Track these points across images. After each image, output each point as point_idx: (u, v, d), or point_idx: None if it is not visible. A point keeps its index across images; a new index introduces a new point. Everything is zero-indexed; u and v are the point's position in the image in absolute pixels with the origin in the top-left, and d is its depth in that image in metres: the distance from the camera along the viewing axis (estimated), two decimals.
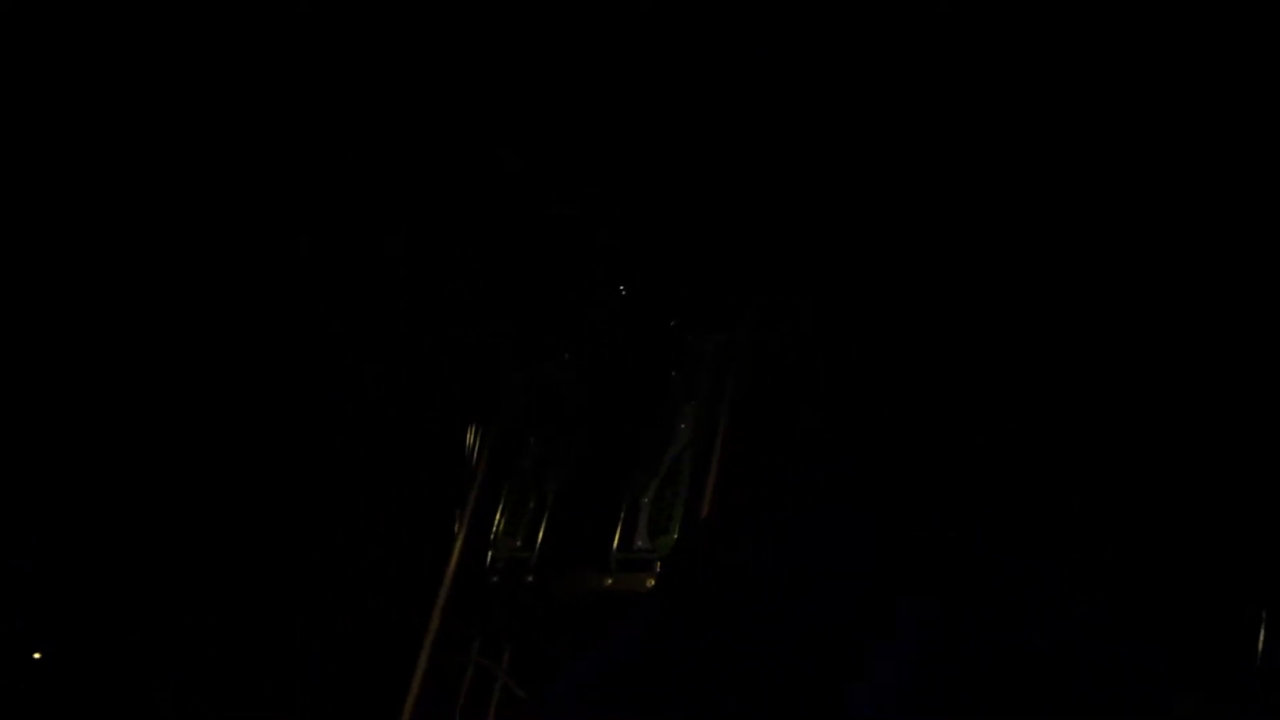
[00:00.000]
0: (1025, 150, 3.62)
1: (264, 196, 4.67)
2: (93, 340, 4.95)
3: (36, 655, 4.72)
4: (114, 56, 4.16)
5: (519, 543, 4.16)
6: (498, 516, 4.33)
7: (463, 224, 4.67)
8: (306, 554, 5.06)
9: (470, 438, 4.75)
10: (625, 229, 4.35)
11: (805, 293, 3.71)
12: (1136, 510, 3.66)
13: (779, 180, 3.81)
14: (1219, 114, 3.27)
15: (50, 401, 4.94)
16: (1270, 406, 3.65)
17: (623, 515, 3.86)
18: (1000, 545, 2.99)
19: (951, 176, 3.77)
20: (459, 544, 4.31)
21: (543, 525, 4.13)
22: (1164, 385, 3.84)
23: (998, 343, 3.84)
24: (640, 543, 3.78)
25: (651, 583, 3.60)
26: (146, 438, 5.12)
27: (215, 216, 4.75)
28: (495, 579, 4.19)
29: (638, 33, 3.60)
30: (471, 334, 4.91)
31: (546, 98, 3.97)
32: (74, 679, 4.85)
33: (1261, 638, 3.48)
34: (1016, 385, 3.86)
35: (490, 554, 4.26)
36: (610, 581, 3.78)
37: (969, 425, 3.69)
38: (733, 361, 3.83)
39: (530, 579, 4.04)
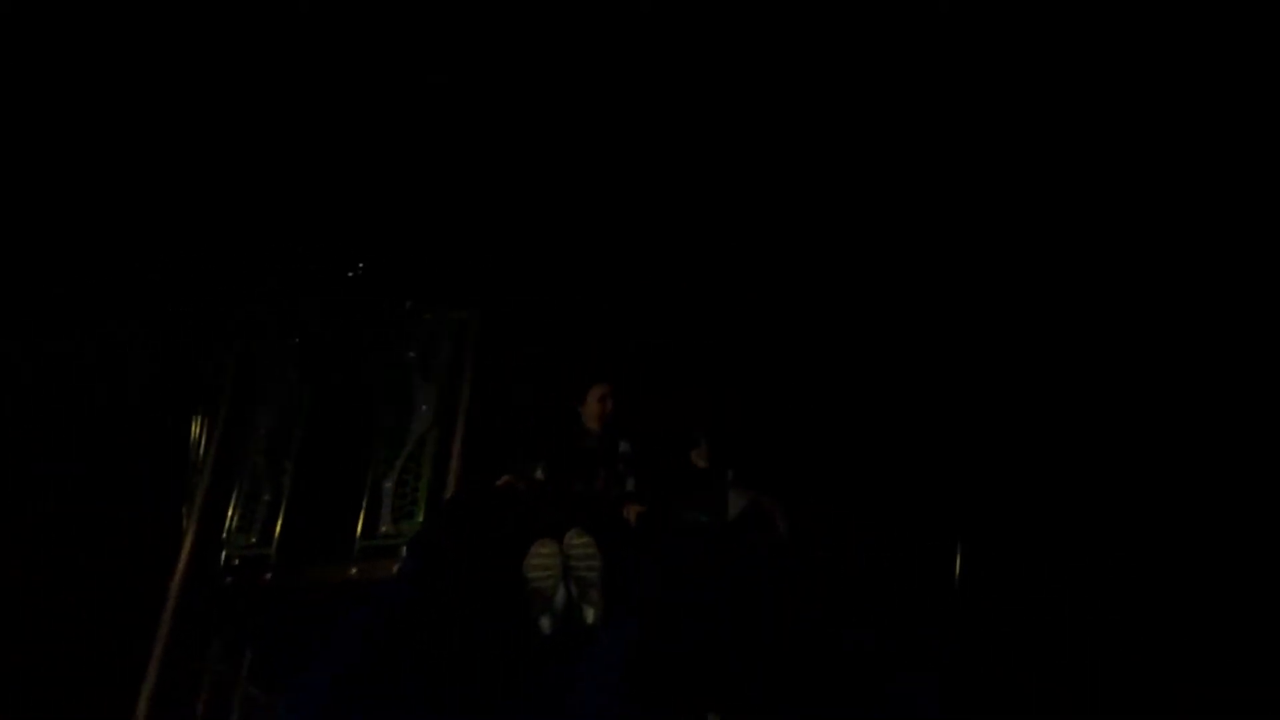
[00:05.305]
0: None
1: None
2: None
3: None
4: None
5: (254, 539, 3.92)
6: (230, 512, 4.05)
7: (175, 202, 4.30)
8: (19, 561, 4.56)
9: (195, 429, 4.43)
10: (360, 207, 4.17)
11: (540, 268, 3.73)
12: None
13: (515, 158, 3.78)
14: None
15: None
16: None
17: (365, 501, 3.73)
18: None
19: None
20: (188, 544, 4.00)
21: (280, 519, 3.91)
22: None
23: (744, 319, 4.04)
24: (385, 528, 3.67)
25: (397, 567, 3.52)
26: None
27: None
28: (230, 579, 3.92)
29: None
30: (191, 316, 4.55)
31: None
32: None
33: (958, 566, 3.91)
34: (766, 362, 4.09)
35: (224, 553, 3.99)
36: (355, 571, 3.65)
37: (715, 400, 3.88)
38: (471, 339, 3.78)
39: (269, 577, 3.82)
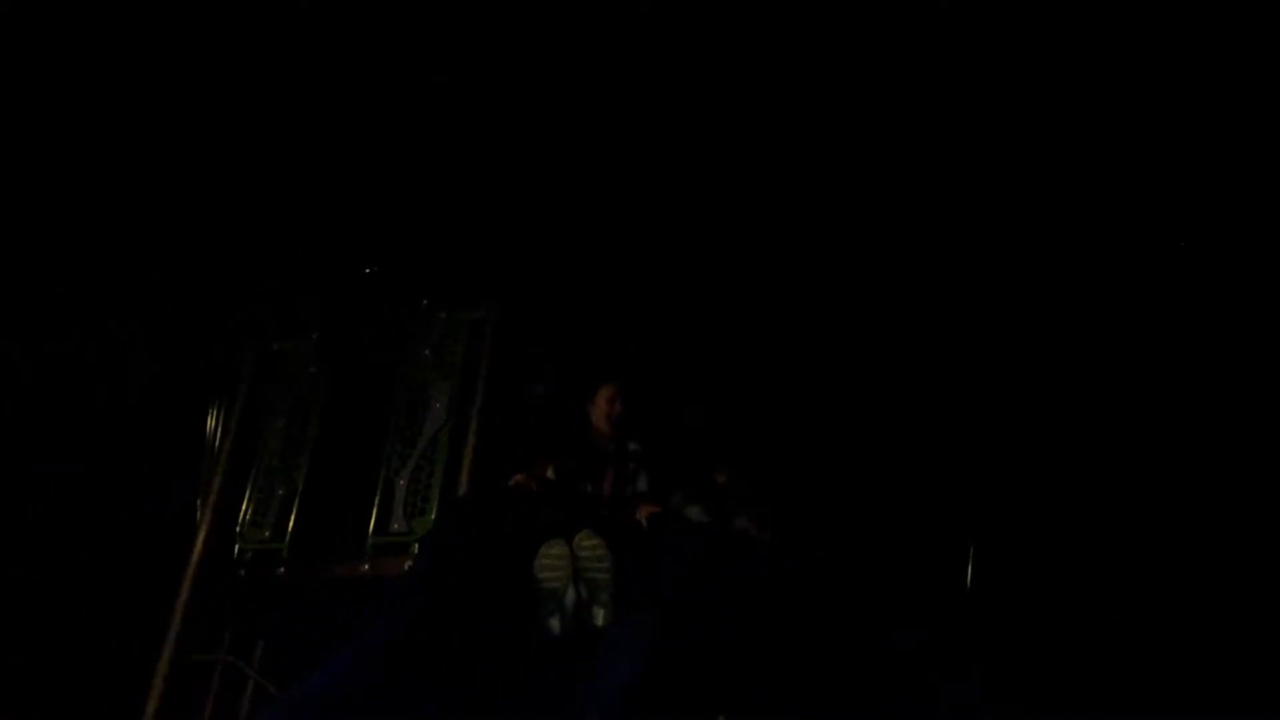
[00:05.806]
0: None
1: None
2: None
3: None
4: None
5: (268, 533, 3.94)
6: (244, 505, 4.08)
7: (200, 198, 4.32)
8: (28, 557, 4.59)
9: (211, 422, 4.45)
10: (374, 208, 4.19)
11: (554, 268, 3.73)
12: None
13: (527, 162, 3.79)
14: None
15: None
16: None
17: (378, 498, 3.75)
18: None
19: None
20: (201, 537, 4.03)
21: (293, 513, 3.93)
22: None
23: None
24: (396, 525, 3.69)
25: (409, 565, 3.52)
26: None
27: None
28: (243, 572, 3.95)
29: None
30: (210, 311, 4.58)
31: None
32: None
33: (969, 570, 3.90)
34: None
35: (237, 546, 4.01)
36: (367, 567, 3.66)
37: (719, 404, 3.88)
38: (486, 338, 3.80)
39: (281, 570, 3.84)
